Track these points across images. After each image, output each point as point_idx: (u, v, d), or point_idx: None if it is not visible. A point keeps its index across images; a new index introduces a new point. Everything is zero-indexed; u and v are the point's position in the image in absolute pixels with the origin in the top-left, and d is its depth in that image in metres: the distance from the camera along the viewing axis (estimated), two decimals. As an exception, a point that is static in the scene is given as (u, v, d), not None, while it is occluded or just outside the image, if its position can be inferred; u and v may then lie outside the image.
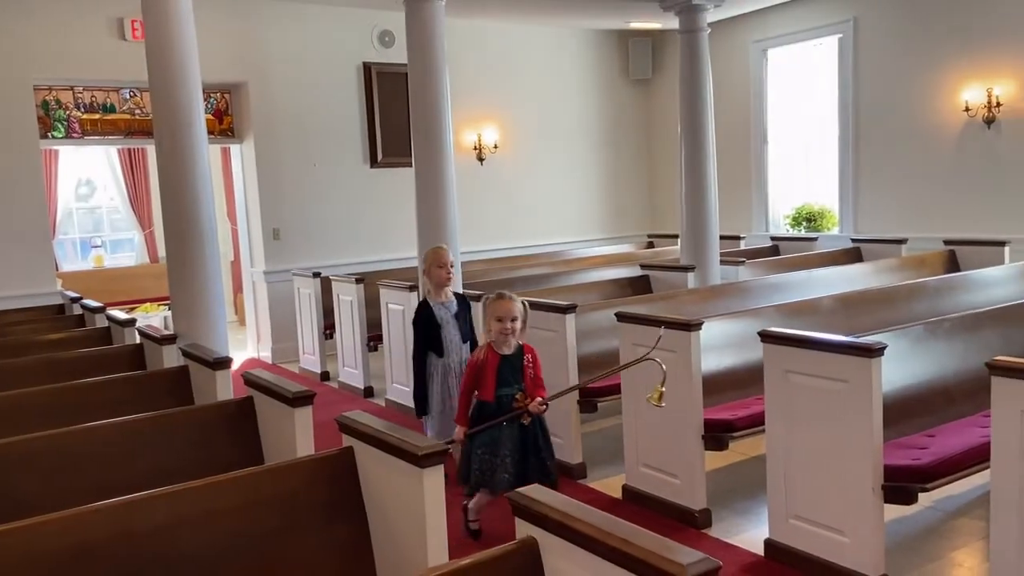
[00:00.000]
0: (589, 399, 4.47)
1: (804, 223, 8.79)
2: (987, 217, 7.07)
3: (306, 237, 7.98)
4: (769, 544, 3.42)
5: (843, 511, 3.11)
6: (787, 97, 8.89)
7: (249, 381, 3.05)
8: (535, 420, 3.51)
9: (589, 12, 8.47)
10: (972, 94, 7.08)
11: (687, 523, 3.79)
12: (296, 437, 2.80)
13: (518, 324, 3.50)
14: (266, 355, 8.00)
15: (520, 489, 1.80)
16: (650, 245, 9.17)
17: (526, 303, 3.59)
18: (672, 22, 7.38)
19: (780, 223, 9.05)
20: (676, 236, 8.61)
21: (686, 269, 6.05)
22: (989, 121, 7.01)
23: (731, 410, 3.88)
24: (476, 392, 3.60)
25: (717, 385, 4.04)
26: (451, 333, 4.24)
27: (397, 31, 8.19)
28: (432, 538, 2.12)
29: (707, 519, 3.78)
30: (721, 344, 4.14)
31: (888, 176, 7.88)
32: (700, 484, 3.80)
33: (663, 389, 3.15)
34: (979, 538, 3.51)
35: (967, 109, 7.11)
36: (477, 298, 4.68)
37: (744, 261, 6.56)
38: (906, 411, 3.49)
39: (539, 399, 3.48)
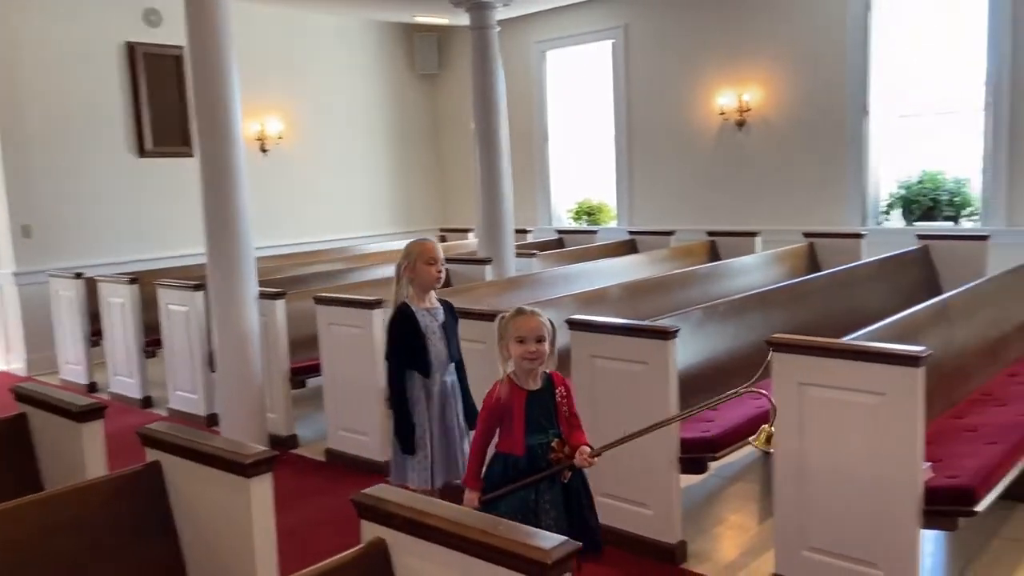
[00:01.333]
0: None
1: (585, 216, 9.30)
2: (741, 210, 7.90)
3: (64, 234, 7.17)
4: (578, 522, 3.59)
5: (646, 485, 3.33)
6: (567, 97, 9.35)
7: (22, 396, 2.68)
8: (575, 476, 2.65)
9: (373, 3, 8.35)
10: (726, 99, 7.86)
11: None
12: (85, 456, 2.51)
13: (546, 347, 2.60)
14: (19, 367, 7.10)
15: (365, 490, 1.74)
16: (443, 239, 9.23)
17: (552, 321, 2.68)
18: (459, 18, 7.48)
19: (563, 217, 9.51)
20: (468, 230, 8.79)
21: (483, 262, 6.17)
22: (740, 123, 7.83)
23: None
24: (494, 442, 2.70)
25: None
26: (437, 346, 3.25)
27: (164, 9, 7.59)
28: (261, 554, 1.99)
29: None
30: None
31: (657, 173, 8.55)
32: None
33: (772, 430, 2.56)
34: (753, 500, 3.92)
35: (722, 113, 7.89)
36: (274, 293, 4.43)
37: (536, 253, 6.81)
38: (693, 388, 3.80)
39: (584, 447, 2.57)
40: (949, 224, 6.88)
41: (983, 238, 5.89)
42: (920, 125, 7.15)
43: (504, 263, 6.39)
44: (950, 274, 5.76)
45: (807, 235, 6.74)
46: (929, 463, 2.78)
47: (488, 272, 6.08)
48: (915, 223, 7.01)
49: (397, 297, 3.28)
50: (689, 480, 3.98)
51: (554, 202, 9.49)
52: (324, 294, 4.85)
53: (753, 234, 7.10)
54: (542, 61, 9.29)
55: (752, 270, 6.24)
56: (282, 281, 5.84)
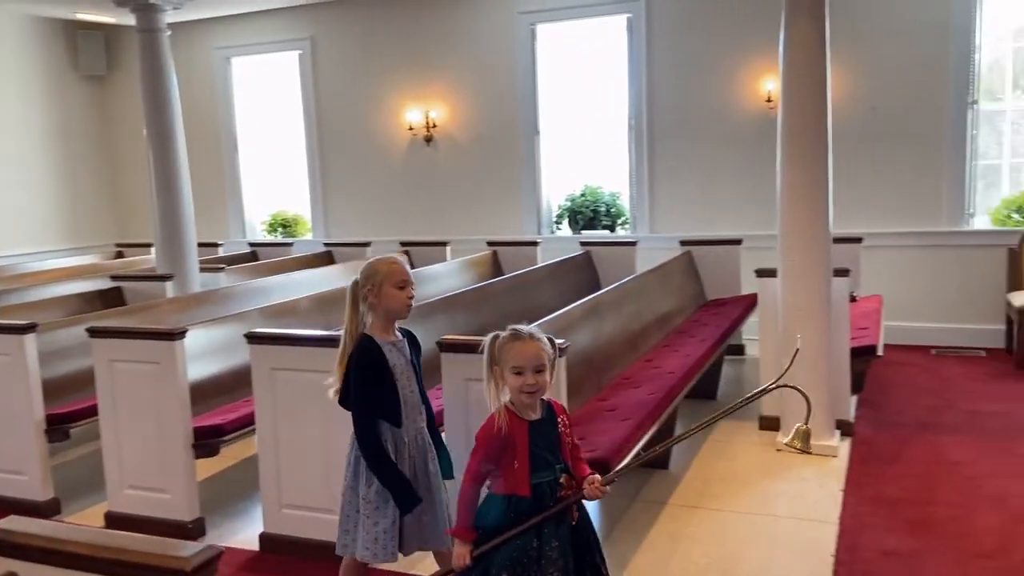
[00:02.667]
0: (59, 426, 4.05)
1: (280, 229, 9.13)
2: (433, 220, 8.28)
3: None
4: (264, 537, 3.56)
5: (332, 492, 3.40)
6: (259, 106, 9.11)
7: None
8: (581, 512, 2.38)
9: (27, -6, 7.50)
10: (414, 115, 8.21)
11: (181, 536, 3.70)
12: None
13: (547, 377, 2.32)
14: None
15: (-7, 525, 1.61)
16: (119, 255, 8.52)
17: (554, 340, 2.42)
18: (126, 17, 6.98)
19: (257, 229, 9.25)
20: (150, 244, 8.20)
21: (163, 278, 5.83)
22: (428, 139, 8.22)
23: (220, 415, 3.92)
24: (487, 484, 2.39)
25: (205, 393, 4.04)
26: (409, 388, 2.70)
27: None
28: None
29: (200, 528, 3.77)
30: (207, 351, 4.14)
31: (352, 185, 8.66)
32: (192, 495, 3.76)
33: (808, 427, 2.39)
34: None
35: (411, 128, 8.22)
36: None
37: (224, 267, 6.57)
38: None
39: (594, 476, 2.34)
40: (607, 232, 7.82)
41: (632, 244, 6.80)
42: (582, 144, 8.04)
43: (187, 279, 6.08)
44: (608, 275, 6.55)
45: (490, 243, 7.27)
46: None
47: (169, 289, 5.76)
48: (581, 231, 7.86)
49: (352, 328, 2.70)
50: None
51: (247, 214, 9.19)
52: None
53: (444, 243, 7.48)
54: (227, 68, 8.97)
55: (443, 277, 6.59)
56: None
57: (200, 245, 6.75)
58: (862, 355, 4.86)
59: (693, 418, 4.32)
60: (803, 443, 2.34)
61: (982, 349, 6.40)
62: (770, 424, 4.74)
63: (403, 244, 7.64)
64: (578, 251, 6.83)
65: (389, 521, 2.60)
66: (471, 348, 3.19)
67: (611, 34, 7.65)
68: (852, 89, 6.65)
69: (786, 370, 2.31)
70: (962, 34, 6.38)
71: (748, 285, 5.97)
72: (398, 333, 2.76)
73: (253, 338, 3.48)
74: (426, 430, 2.77)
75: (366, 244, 7.78)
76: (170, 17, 6.27)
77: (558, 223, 8.12)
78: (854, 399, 5.08)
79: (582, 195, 7.95)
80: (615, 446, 3.22)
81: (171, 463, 3.71)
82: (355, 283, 2.71)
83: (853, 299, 5.83)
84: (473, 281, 6.46)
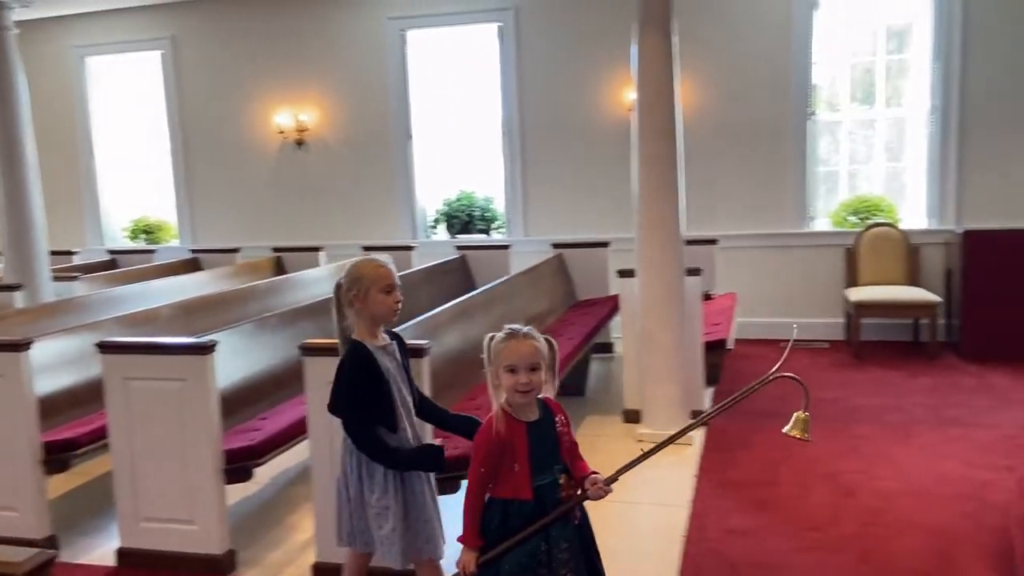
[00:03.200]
0: None
1: (143, 235, 8.77)
2: (306, 225, 8.17)
3: None
4: (121, 552, 3.45)
5: (191, 501, 3.34)
6: (116, 107, 8.72)
7: None
8: (580, 509, 2.33)
9: None
10: (283, 118, 8.08)
11: (31, 557, 3.54)
12: None
13: (541, 375, 2.27)
14: None
15: None
16: (-39, 265, 7.94)
17: (552, 341, 2.35)
18: (-31, 13, 6.55)
19: (119, 236, 8.84)
20: (-3, 253, 7.70)
21: (12, 288, 5.51)
22: (299, 143, 8.11)
23: (73, 429, 3.76)
24: (490, 488, 2.30)
25: (58, 406, 3.86)
26: (402, 393, 2.60)
27: None
28: None
29: (52, 545, 3.59)
30: (58, 363, 3.96)
31: (220, 190, 8.43)
32: (43, 513, 3.59)
33: (806, 415, 2.36)
34: (309, 500, 4.14)
35: (281, 131, 8.09)
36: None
37: (78, 276, 6.26)
38: (245, 400, 3.91)
39: (595, 476, 2.29)
40: (483, 236, 7.95)
41: (506, 247, 6.95)
42: (457, 149, 8.14)
43: (38, 288, 5.77)
44: (483, 278, 6.66)
45: (366, 248, 7.22)
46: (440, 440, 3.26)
47: (19, 299, 5.45)
48: (456, 235, 7.96)
49: (343, 332, 2.61)
50: (245, 491, 4.10)
51: (106, 221, 8.78)
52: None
53: (317, 248, 7.40)
54: (82, 67, 8.54)
55: (317, 282, 6.52)
56: None
57: (53, 253, 6.42)
58: (714, 349, 5.18)
59: (558, 414, 4.47)
60: (802, 430, 2.33)
61: (826, 341, 6.92)
62: (632, 417, 4.98)
63: (275, 250, 7.51)
64: (454, 255, 6.92)
65: (391, 527, 2.56)
66: (336, 352, 3.23)
67: (483, 41, 7.79)
68: (704, 102, 7.06)
69: (782, 361, 2.34)
70: (801, 51, 6.89)
71: (615, 285, 6.23)
72: (385, 336, 2.67)
73: (105, 347, 3.37)
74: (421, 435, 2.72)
75: (235, 250, 7.59)
76: (23, 14, 5.94)
77: (434, 227, 8.18)
78: (710, 391, 5.40)
79: (457, 199, 8.05)
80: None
81: (19, 480, 3.54)
82: (339, 287, 2.62)
83: (709, 297, 6.20)
84: (347, 286, 6.42)
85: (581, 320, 5.87)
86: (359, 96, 7.97)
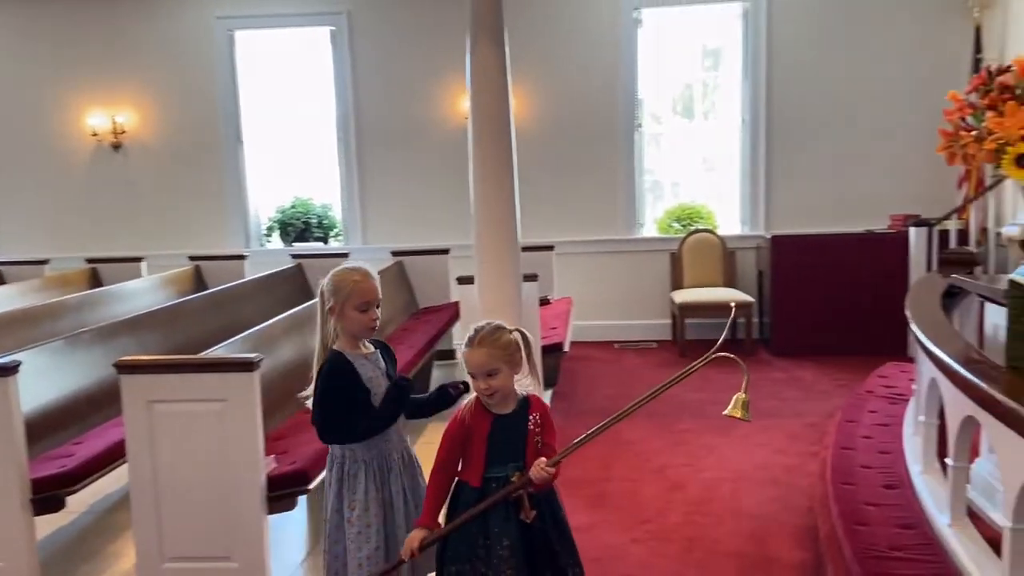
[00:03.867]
0: None
1: (-68, 246, 7.88)
2: (125, 235, 7.64)
3: None
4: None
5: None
6: None
7: None
8: (544, 513, 2.27)
9: None
10: (98, 120, 7.52)
11: None
12: None
13: (498, 381, 2.24)
14: None
15: None
16: None
17: (523, 334, 2.33)
18: None
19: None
20: None
21: None
22: (116, 146, 7.58)
23: None
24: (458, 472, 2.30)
25: None
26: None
27: None
28: None
29: None
30: None
31: (25, 196, 7.74)
32: None
33: (746, 396, 2.31)
34: (130, 528, 3.88)
35: (95, 134, 7.53)
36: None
37: None
38: (56, 423, 3.60)
39: (540, 460, 2.22)
40: (320, 244, 7.76)
41: (344, 255, 6.81)
42: (292, 155, 7.90)
43: None
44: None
45: (192, 258, 6.89)
46: (273, 455, 3.15)
47: None
48: (292, 243, 7.72)
49: (323, 340, 2.46)
50: (59, 521, 3.78)
51: None
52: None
53: (138, 259, 6.95)
54: None
55: (138, 295, 6.13)
56: None
57: None
58: (552, 352, 5.33)
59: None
60: (743, 411, 2.31)
61: (654, 341, 7.30)
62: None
63: (90, 261, 6.99)
64: (289, 264, 6.71)
65: (372, 546, 2.40)
66: (155, 369, 3.05)
67: (317, 45, 7.62)
68: (539, 112, 7.27)
69: (722, 339, 2.35)
70: (627, 66, 7.25)
71: (456, 292, 6.27)
72: (369, 345, 2.54)
73: None
74: (410, 447, 2.58)
75: (44, 262, 7.00)
76: None
77: (268, 235, 7.89)
78: (549, 392, 5.55)
79: (292, 206, 7.81)
80: (316, 455, 3.24)
81: None
82: (321, 292, 2.51)
83: (546, 301, 6.37)
84: (172, 298, 6.08)
85: (422, 328, 5.86)
86: (184, 97, 7.56)
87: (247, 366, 2.99)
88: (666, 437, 4.84)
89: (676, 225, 7.47)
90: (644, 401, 2.23)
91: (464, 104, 7.24)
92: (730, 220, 7.54)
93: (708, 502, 3.90)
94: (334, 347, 2.46)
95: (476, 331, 2.29)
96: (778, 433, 4.84)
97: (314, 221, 7.80)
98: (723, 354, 2.26)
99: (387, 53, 7.43)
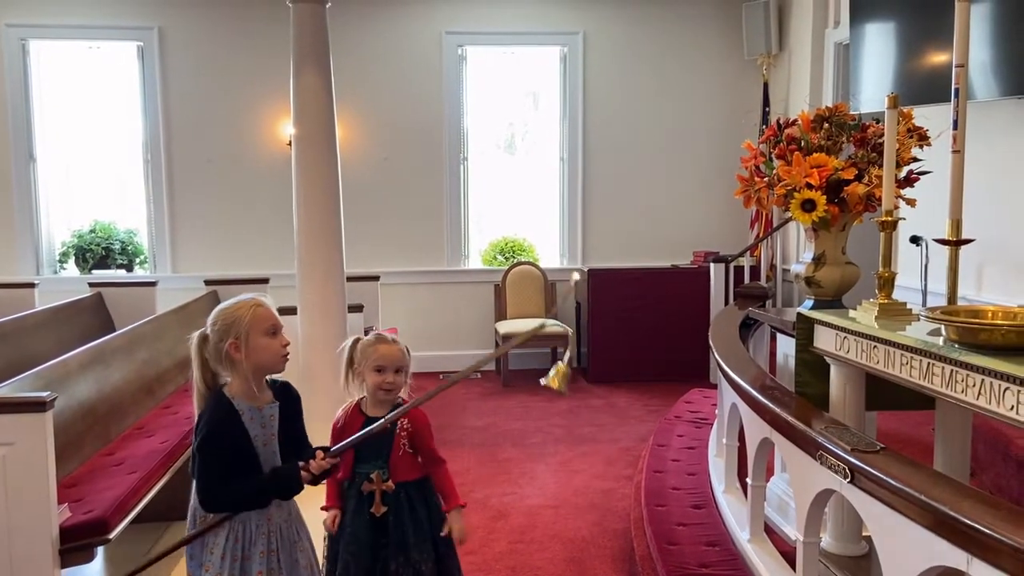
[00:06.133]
0: None
1: None
2: None
3: None
4: None
5: None
6: None
7: None
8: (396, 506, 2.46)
9: None
10: None
11: None
12: None
13: (403, 378, 2.50)
14: None
15: None
16: None
17: (407, 347, 2.53)
18: None
19: None
20: None
21: None
22: None
23: None
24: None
25: None
26: (273, 462, 2.21)
27: None
28: None
29: None
30: None
31: None
32: None
33: (568, 368, 2.28)
34: None
35: None
36: None
37: None
38: None
39: (317, 450, 2.23)
40: (123, 272, 7.21)
41: (152, 284, 6.37)
42: (92, 176, 7.32)
43: None
44: (124, 318, 6.02)
45: (-29, 286, 6.17)
46: (66, 504, 2.87)
47: None
48: (92, 271, 7.12)
49: (207, 387, 2.19)
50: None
51: None
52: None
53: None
54: None
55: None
56: None
57: None
58: (377, 385, 5.25)
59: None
60: (561, 383, 2.24)
61: (479, 372, 7.40)
62: (294, 459, 4.84)
63: None
64: (87, 293, 6.18)
65: None
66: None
67: (123, 61, 7.14)
68: (369, 144, 7.23)
69: (554, 311, 2.54)
70: (453, 100, 7.38)
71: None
72: (268, 393, 2.23)
73: None
74: (299, 517, 2.29)
75: None
76: None
77: (63, 262, 7.24)
78: (373, 426, 5.45)
79: (92, 231, 7.22)
80: (117, 502, 2.99)
81: None
82: (203, 338, 2.20)
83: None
84: (-54, 333, 5.41)
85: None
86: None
87: (38, 406, 2.71)
88: (489, 466, 4.90)
89: (500, 257, 7.64)
90: (434, 394, 2.28)
91: (286, 128, 7.05)
92: (551, 253, 7.82)
93: (531, 529, 3.98)
94: (223, 391, 2.19)
95: (383, 334, 2.58)
96: (596, 458, 5.03)
97: (116, 247, 7.25)
98: (553, 320, 2.81)
99: (202, 72, 7.10)
